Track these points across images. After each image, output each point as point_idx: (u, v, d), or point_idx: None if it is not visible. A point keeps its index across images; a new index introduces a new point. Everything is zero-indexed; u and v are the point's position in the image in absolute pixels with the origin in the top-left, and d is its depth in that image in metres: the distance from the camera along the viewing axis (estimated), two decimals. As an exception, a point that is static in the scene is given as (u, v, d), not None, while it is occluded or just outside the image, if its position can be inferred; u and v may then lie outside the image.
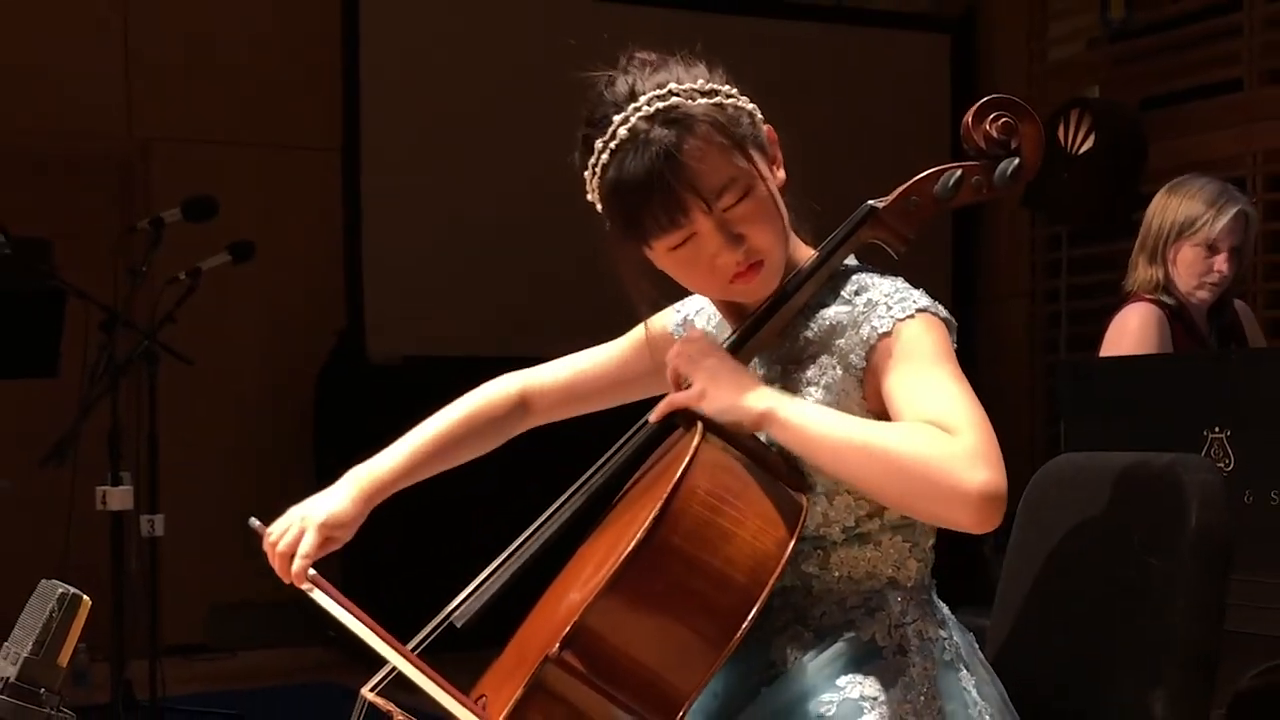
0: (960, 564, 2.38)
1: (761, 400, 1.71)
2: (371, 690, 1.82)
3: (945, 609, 1.87)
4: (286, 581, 1.89)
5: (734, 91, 1.81)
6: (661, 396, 1.84)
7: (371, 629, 1.76)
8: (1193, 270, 3.78)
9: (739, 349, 1.83)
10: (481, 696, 1.73)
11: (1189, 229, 3.77)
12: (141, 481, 5.00)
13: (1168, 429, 3.27)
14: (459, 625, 1.84)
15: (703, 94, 1.77)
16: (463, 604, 1.84)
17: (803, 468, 1.77)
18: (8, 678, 1.45)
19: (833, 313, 1.81)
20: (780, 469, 1.76)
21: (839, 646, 1.77)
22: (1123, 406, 3.43)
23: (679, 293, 1.99)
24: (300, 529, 1.90)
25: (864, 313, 1.78)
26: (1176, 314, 3.79)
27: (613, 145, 1.76)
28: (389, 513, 2.04)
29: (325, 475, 2.01)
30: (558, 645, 1.60)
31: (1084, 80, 7.15)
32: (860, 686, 1.74)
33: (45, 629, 1.47)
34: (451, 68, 6.84)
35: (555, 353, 2.12)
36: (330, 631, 2.61)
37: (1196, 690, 1.81)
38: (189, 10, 6.72)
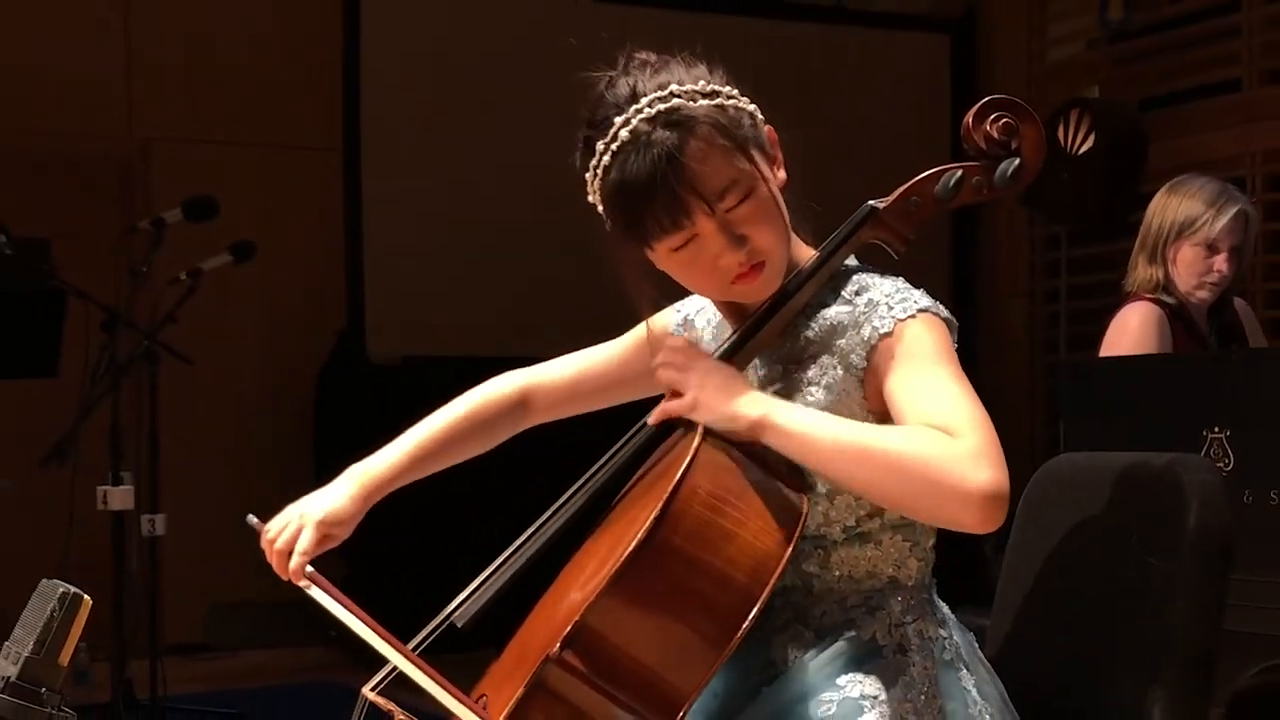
0: (960, 564, 2.38)
1: (755, 407, 1.71)
2: (372, 690, 1.82)
3: (945, 608, 1.87)
4: (284, 578, 1.89)
5: (735, 92, 1.81)
6: (662, 396, 1.84)
7: (370, 626, 1.76)
8: (1192, 270, 3.78)
9: (740, 349, 1.83)
10: (482, 696, 1.73)
11: (1189, 229, 3.77)
12: (142, 481, 5.01)
13: (1167, 429, 3.27)
14: (460, 625, 1.84)
15: (704, 95, 1.77)
16: (463, 604, 1.84)
17: (803, 468, 1.77)
18: (9, 677, 1.45)
19: (833, 313, 1.81)
20: (781, 469, 1.76)
21: (839, 646, 1.77)
22: (1122, 406, 3.43)
23: (679, 293, 1.99)
24: (298, 526, 1.90)
25: (865, 313, 1.78)
26: (1176, 313, 3.79)
27: (614, 147, 1.76)
28: (392, 511, 2.04)
29: (325, 475, 2.00)
30: (558, 645, 1.60)
31: (1083, 81, 7.15)
32: (861, 685, 1.74)
33: (46, 628, 1.47)
34: (451, 68, 6.84)
35: (555, 353, 2.11)
36: (332, 631, 2.62)
37: (1195, 689, 1.81)
38: (189, 10, 6.73)
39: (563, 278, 5.62)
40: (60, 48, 6.48)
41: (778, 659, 1.79)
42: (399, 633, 1.79)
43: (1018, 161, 1.85)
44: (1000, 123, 1.85)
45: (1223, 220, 3.75)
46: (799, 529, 1.70)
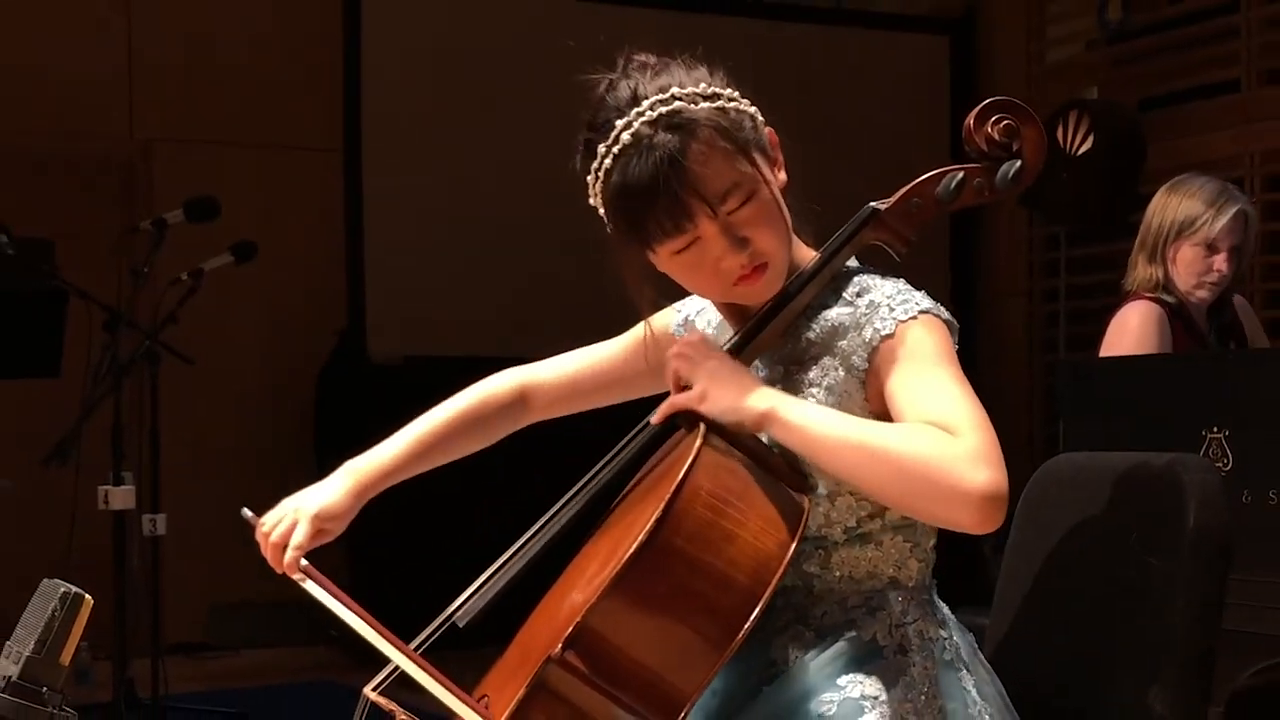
0: (960, 564, 2.39)
1: (763, 400, 1.72)
2: (374, 689, 1.83)
3: (946, 609, 1.88)
4: (279, 572, 1.90)
5: (736, 94, 1.81)
6: (662, 396, 1.84)
7: (365, 620, 1.76)
8: (1192, 269, 3.79)
9: (741, 350, 1.83)
10: (484, 696, 1.74)
11: (1189, 228, 3.77)
12: (143, 481, 5.01)
13: (1167, 429, 3.27)
14: (461, 624, 1.84)
15: (705, 98, 1.77)
16: (465, 603, 1.85)
17: (804, 469, 1.77)
18: (10, 676, 1.46)
19: (835, 314, 1.81)
20: (782, 470, 1.76)
21: (840, 646, 1.77)
22: (1122, 406, 3.43)
23: (679, 294, 1.99)
24: (293, 520, 1.91)
25: (866, 314, 1.78)
26: (1176, 312, 3.80)
27: (616, 150, 1.76)
28: (393, 509, 2.04)
29: (326, 475, 2.01)
30: (560, 645, 1.60)
31: (1083, 81, 7.16)
32: (861, 686, 1.74)
33: (47, 628, 1.47)
34: (451, 68, 6.84)
35: (556, 351, 2.11)
36: (332, 631, 2.62)
37: (1195, 689, 1.81)
38: (190, 11, 6.73)
39: (564, 276, 5.62)
40: (61, 48, 6.48)
41: (778, 659, 1.80)
42: (400, 632, 1.79)
43: (1019, 163, 1.86)
44: (1001, 125, 1.85)
45: (1222, 220, 3.75)
46: (800, 530, 1.70)
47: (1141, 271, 3.85)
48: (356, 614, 1.77)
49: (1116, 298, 3.95)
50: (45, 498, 5.42)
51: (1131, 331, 3.77)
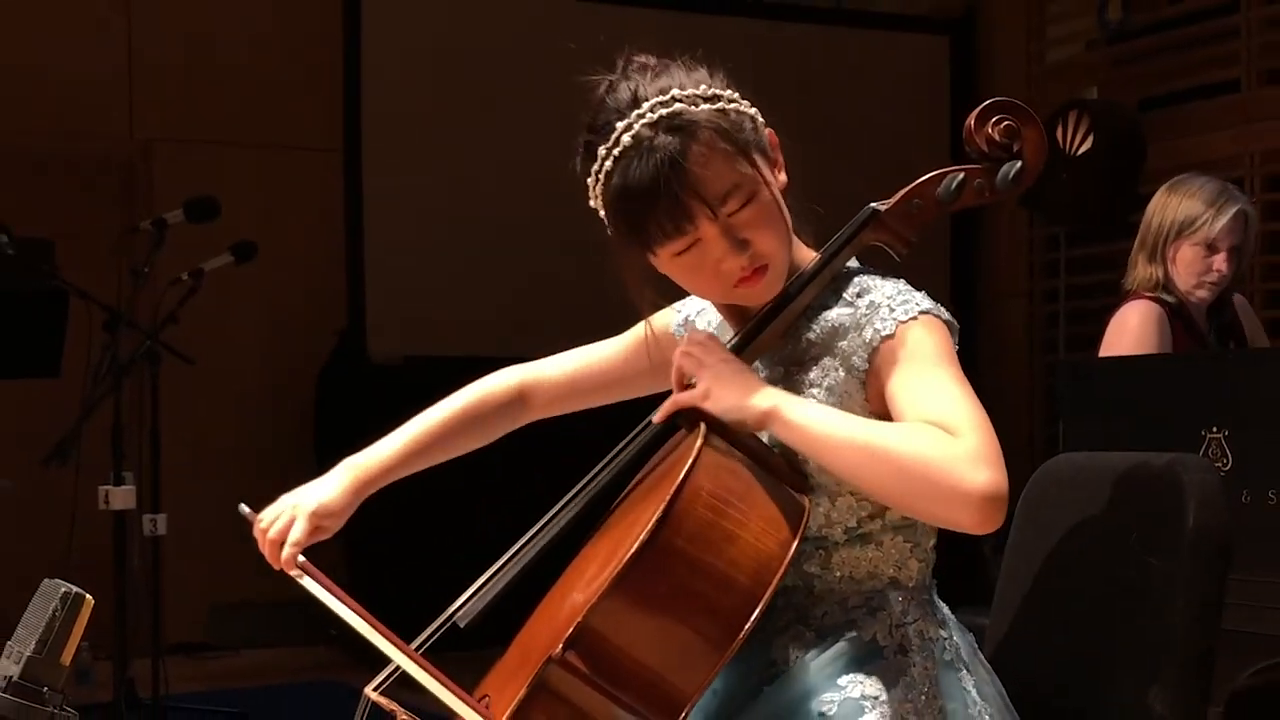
0: (960, 564, 2.39)
1: (765, 399, 1.72)
2: (375, 689, 1.83)
3: (946, 609, 1.88)
4: (276, 568, 1.90)
5: (736, 96, 1.81)
6: (661, 395, 1.85)
7: (362, 616, 1.76)
8: (1192, 269, 3.79)
9: (741, 351, 1.83)
10: (485, 696, 1.74)
11: (1189, 228, 3.77)
12: (144, 481, 5.01)
13: (1166, 429, 3.27)
14: (462, 625, 1.84)
15: (705, 99, 1.77)
16: (466, 603, 1.85)
17: (805, 469, 1.78)
18: (11, 676, 1.46)
19: (835, 315, 1.81)
20: (783, 470, 1.76)
21: (840, 646, 1.78)
22: (1121, 406, 3.44)
23: (680, 295, 1.99)
24: (291, 517, 1.91)
25: (866, 315, 1.78)
26: (1176, 311, 3.80)
27: (616, 152, 1.76)
28: (392, 508, 2.04)
29: (325, 475, 2.01)
30: (561, 646, 1.61)
31: (1082, 81, 7.16)
32: (861, 686, 1.75)
33: (48, 628, 1.47)
34: (451, 68, 6.84)
35: (555, 353, 2.12)
36: (332, 630, 2.62)
37: (1194, 688, 1.82)
38: (190, 11, 6.73)
39: (563, 277, 5.63)
40: (61, 48, 6.48)
41: (779, 659, 1.80)
42: (400, 632, 1.79)
43: (1019, 164, 1.86)
44: (1002, 125, 1.85)
45: (1222, 220, 3.75)
46: (801, 530, 1.71)
47: (1141, 271, 3.85)
48: (354, 611, 1.77)
49: (1116, 298, 3.95)
50: (45, 498, 5.42)
51: (1131, 331, 3.77)
